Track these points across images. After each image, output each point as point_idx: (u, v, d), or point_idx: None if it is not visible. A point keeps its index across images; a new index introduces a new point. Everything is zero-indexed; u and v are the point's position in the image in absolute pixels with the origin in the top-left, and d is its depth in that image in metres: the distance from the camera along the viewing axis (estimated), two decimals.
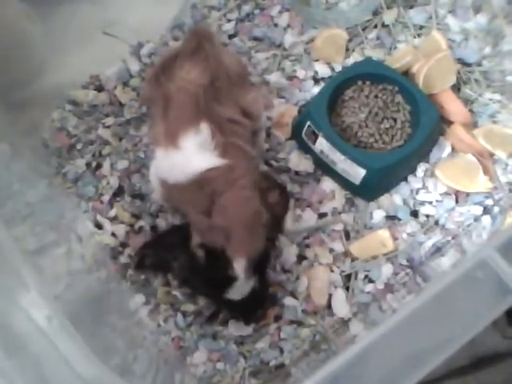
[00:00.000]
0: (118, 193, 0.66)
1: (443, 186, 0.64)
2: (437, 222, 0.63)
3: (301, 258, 0.62)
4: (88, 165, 0.67)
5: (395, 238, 0.62)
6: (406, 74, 0.69)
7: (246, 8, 0.76)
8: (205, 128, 0.52)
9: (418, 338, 0.40)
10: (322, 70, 0.71)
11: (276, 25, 0.75)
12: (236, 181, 0.52)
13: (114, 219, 0.64)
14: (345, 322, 0.58)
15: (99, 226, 0.64)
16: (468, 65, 0.71)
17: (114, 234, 0.63)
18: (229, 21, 0.76)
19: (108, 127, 0.69)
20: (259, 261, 0.52)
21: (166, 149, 0.53)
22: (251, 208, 0.51)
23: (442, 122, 0.66)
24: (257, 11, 0.76)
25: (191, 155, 0.52)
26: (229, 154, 0.53)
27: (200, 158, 0.52)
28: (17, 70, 0.69)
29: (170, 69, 0.56)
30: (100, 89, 0.72)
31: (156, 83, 0.56)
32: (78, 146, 0.68)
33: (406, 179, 0.65)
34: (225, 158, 0.52)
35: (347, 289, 0.60)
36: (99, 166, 0.67)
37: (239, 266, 0.51)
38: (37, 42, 0.72)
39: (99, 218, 0.64)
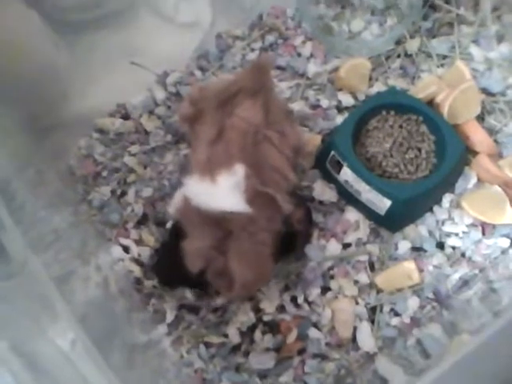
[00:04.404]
0: (143, 220, 0.66)
1: (469, 217, 0.63)
2: (463, 255, 0.62)
3: (325, 289, 0.61)
4: (113, 192, 0.68)
5: (421, 270, 0.61)
6: (430, 103, 0.69)
7: (270, 38, 0.77)
8: (240, 170, 0.52)
9: None
10: (346, 100, 0.71)
11: (299, 54, 0.76)
12: (254, 234, 0.53)
13: (138, 244, 0.64)
14: (370, 357, 0.57)
15: (125, 250, 0.64)
16: (492, 94, 0.71)
17: (138, 260, 0.63)
18: (253, 50, 0.77)
19: (134, 155, 0.69)
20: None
21: (202, 176, 0.53)
22: (260, 269, 0.53)
23: (467, 153, 0.66)
24: (280, 41, 0.77)
25: (222, 192, 0.52)
26: (257, 204, 0.52)
27: (228, 198, 0.52)
28: (43, 96, 0.70)
29: (229, 103, 0.55)
30: (126, 117, 0.73)
31: (215, 112, 0.55)
32: (104, 174, 0.69)
33: (431, 210, 0.64)
34: (251, 207, 0.52)
35: (372, 322, 0.59)
36: (124, 193, 0.68)
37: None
38: (64, 69, 0.73)
39: (123, 241, 0.64)
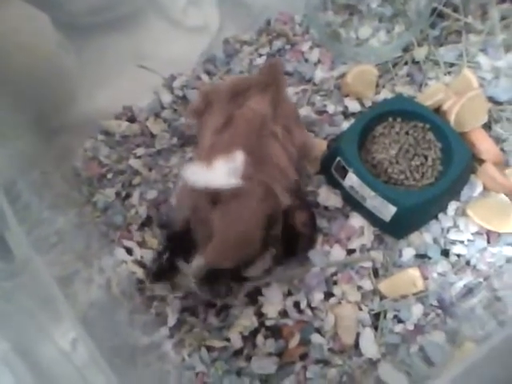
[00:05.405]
0: (146, 223, 0.66)
1: (475, 225, 0.63)
2: (468, 263, 0.62)
3: (328, 294, 0.61)
4: (117, 194, 0.68)
5: (425, 278, 0.61)
6: (437, 111, 0.69)
7: (278, 43, 0.77)
8: (239, 156, 0.51)
9: None
10: (352, 106, 0.71)
11: (306, 60, 0.76)
12: (244, 201, 0.51)
13: (141, 246, 0.64)
14: (373, 363, 0.57)
15: (128, 252, 0.64)
16: (499, 103, 0.70)
17: (140, 263, 0.63)
18: (260, 55, 0.77)
19: (139, 157, 0.70)
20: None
21: (201, 160, 0.53)
22: (243, 232, 0.50)
23: (474, 161, 0.66)
24: (288, 47, 0.77)
25: (218, 175, 0.51)
26: (251, 186, 0.51)
27: (224, 180, 0.51)
28: (50, 98, 0.71)
29: (240, 96, 0.56)
30: (132, 120, 0.73)
31: (226, 103, 0.56)
32: (109, 176, 0.69)
33: (436, 217, 0.64)
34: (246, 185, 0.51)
35: (375, 328, 0.59)
36: (128, 195, 0.68)
37: (196, 264, 0.51)
38: (71, 71, 0.74)
39: (127, 243, 0.64)
